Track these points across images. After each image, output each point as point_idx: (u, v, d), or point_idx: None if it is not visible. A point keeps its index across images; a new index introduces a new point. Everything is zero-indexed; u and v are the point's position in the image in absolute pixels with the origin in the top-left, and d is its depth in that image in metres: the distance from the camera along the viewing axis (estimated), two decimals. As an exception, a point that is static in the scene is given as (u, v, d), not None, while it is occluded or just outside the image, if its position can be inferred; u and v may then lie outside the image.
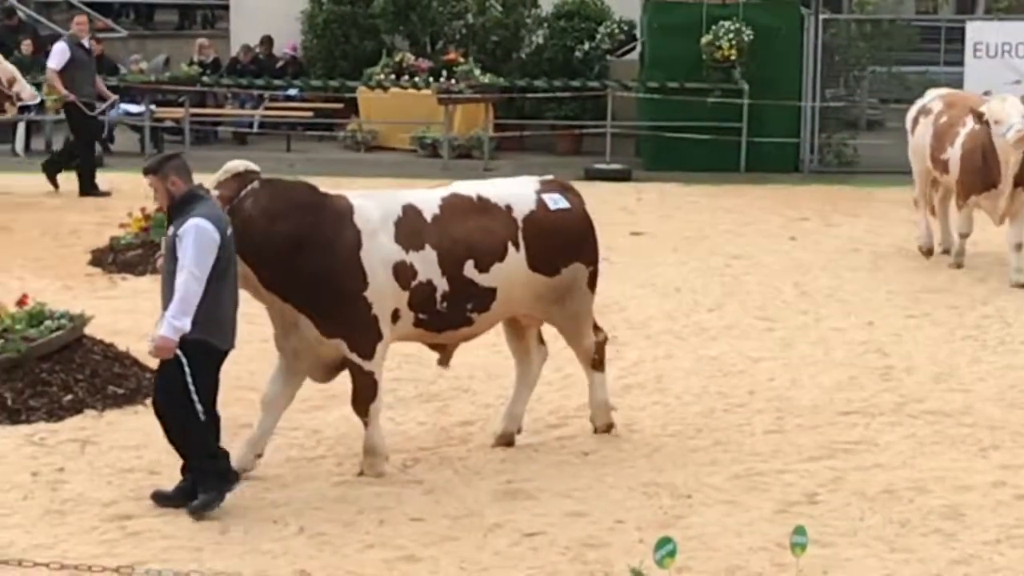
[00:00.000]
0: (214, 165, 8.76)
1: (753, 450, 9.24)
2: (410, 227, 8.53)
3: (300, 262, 8.18)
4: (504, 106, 21.39)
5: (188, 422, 7.85)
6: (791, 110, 20.22)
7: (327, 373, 8.73)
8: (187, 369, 7.73)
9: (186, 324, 7.67)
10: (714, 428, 9.67)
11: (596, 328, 9.40)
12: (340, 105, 21.70)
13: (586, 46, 22.11)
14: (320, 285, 8.25)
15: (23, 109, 17.93)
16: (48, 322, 10.03)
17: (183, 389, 7.77)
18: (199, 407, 7.80)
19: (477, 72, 20.91)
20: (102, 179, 17.82)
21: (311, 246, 8.21)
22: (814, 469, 8.89)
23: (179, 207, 7.85)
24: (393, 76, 21.30)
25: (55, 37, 22.90)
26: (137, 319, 11.35)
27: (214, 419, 8.00)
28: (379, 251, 8.38)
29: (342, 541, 7.75)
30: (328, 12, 22.62)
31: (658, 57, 20.69)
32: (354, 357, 8.46)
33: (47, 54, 21.11)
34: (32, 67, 20.81)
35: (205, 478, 7.96)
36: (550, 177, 9.48)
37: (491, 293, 8.77)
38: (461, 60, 21.47)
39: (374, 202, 8.60)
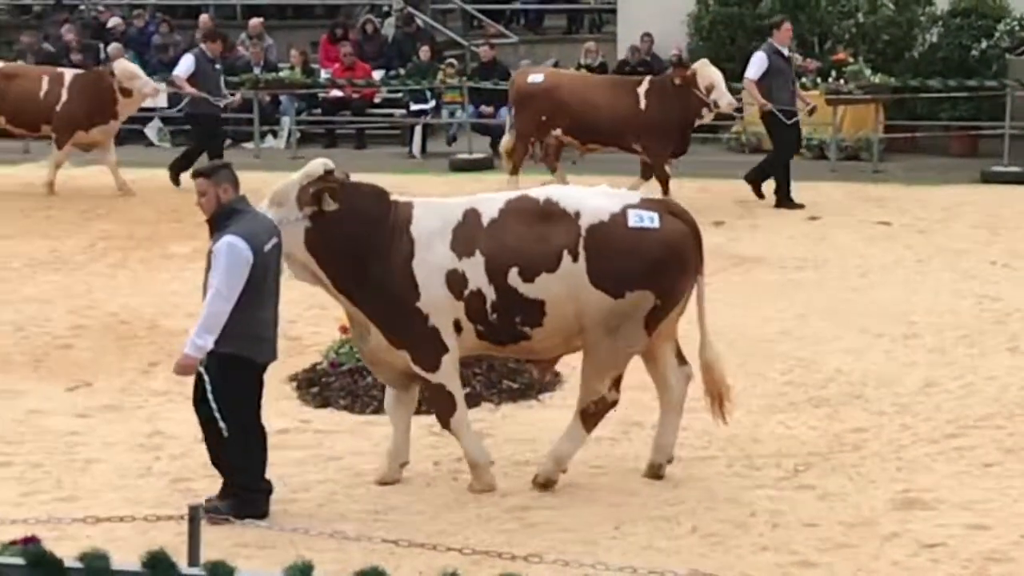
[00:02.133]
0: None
1: None
2: (467, 232, 8.22)
3: (359, 268, 8.16)
4: (895, 107, 20.85)
5: (219, 438, 7.84)
6: None
7: (405, 380, 8.49)
8: (208, 386, 7.71)
9: (208, 342, 7.63)
10: None
11: (616, 386, 8.36)
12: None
13: (983, 44, 21.33)
14: (377, 293, 8.18)
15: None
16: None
17: (207, 404, 7.78)
18: (222, 424, 7.75)
19: (867, 72, 20.45)
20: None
21: (368, 253, 8.15)
22: None
23: (220, 219, 7.84)
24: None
25: (452, 43, 23.76)
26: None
27: (255, 433, 7.94)
28: (433, 260, 8.14)
29: (735, 542, 7.72)
30: (714, 13, 22.59)
31: (1062, 54, 19.75)
32: (418, 369, 8.28)
33: (441, 58, 21.93)
34: (428, 72, 21.63)
35: (233, 493, 7.91)
36: (659, 197, 9.06)
37: (538, 306, 8.16)
38: (850, 60, 21.04)
39: (435, 209, 8.35)
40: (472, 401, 9.86)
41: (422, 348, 8.21)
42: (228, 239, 7.68)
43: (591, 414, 8.38)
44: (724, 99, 16.25)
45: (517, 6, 25.95)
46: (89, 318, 12.21)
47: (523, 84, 17.10)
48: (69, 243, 15.10)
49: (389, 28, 24.05)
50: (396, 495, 8.40)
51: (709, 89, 16.20)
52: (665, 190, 16.23)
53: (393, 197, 8.44)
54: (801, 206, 16.78)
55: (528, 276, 8.14)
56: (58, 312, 12.43)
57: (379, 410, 9.62)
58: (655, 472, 8.62)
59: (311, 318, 11.93)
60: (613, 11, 24.52)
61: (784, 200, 16.95)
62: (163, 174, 18.11)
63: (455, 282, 8.16)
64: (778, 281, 13.50)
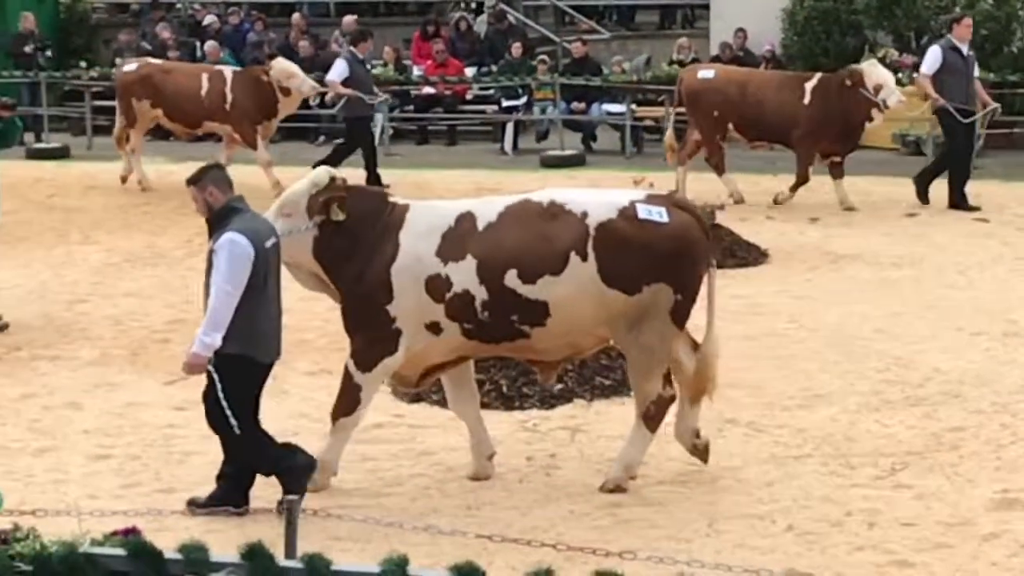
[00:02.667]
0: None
1: None
2: (457, 237, 8.20)
3: (348, 270, 8.25)
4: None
5: (230, 436, 7.85)
6: None
7: (457, 375, 8.60)
8: (218, 384, 7.73)
9: (216, 340, 7.66)
10: None
11: (668, 381, 8.38)
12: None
13: (1084, 38, 20.96)
14: (354, 286, 8.25)
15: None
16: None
17: (216, 403, 7.78)
18: (233, 421, 7.75)
19: (966, 67, 20.15)
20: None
21: (350, 257, 8.24)
22: None
23: (217, 220, 7.87)
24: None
25: (544, 40, 23.78)
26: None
27: (258, 432, 7.94)
28: (414, 267, 8.16)
29: (830, 541, 7.64)
30: (809, 8, 22.39)
31: None
32: (351, 361, 8.33)
33: (533, 55, 21.94)
34: (520, 69, 21.67)
35: (228, 482, 7.97)
36: (664, 193, 8.94)
37: (540, 306, 8.10)
38: (947, 55, 20.75)
39: (428, 213, 8.37)
40: (564, 397, 9.88)
41: (370, 346, 8.25)
42: (229, 236, 7.72)
43: (652, 416, 8.35)
44: (893, 97, 16.15)
45: (610, 2, 25.89)
46: (186, 312, 12.32)
47: (693, 81, 17.17)
48: (165, 238, 15.29)
49: (481, 25, 24.10)
50: (488, 491, 8.42)
51: (877, 89, 16.13)
52: (796, 186, 16.44)
53: (391, 199, 8.50)
54: (977, 208, 16.32)
55: (529, 278, 8.09)
56: (155, 307, 12.58)
57: (473, 406, 9.66)
58: (702, 454, 8.53)
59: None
60: (706, 7, 24.39)
61: (958, 201, 16.41)
62: (274, 172, 18.25)
63: (436, 287, 8.17)
64: (874, 279, 13.36)
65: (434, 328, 8.23)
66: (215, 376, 7.74)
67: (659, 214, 8.18)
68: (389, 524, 6.69)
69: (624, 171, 18.18)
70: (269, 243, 7.90)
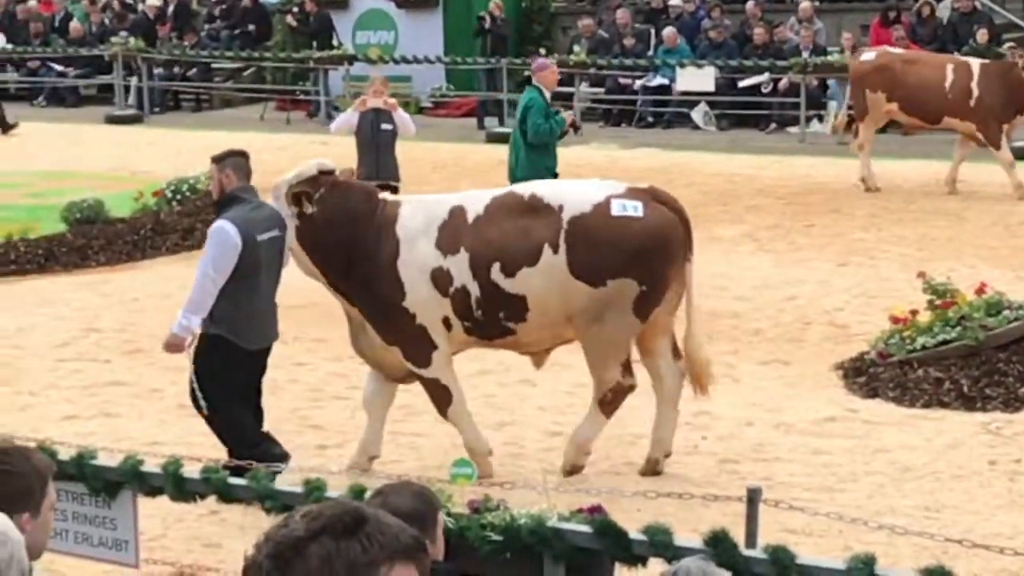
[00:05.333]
0: None
1: None
2: (452, 230, 8.21)
3: (347, 267, 8.22)
4: None
5: (208, 415, 7.95)
6: None
7: (402, 376, 8.48)
8: (192, 365, 7.90)
9: (193, 322, 7.83)
10: None
11: (628, 371, 8.28)
12: None
13: None
14: (366, 292, 8.24)
15: None
16: (1006, 312, 9.92)
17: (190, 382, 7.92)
18: (202, 402, 7.89)
19: None
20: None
21: (355, 252, 8.19)
22: None
23: (220, 205, 8.06)
24: None
25: (1012, 26, 22.74)
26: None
27: (239, 410, 8.00)
28: (418, 260, 8.17)
29: None
30: None
31: None
32: (411, 366, 8.34)
33: (1000, 41, 21.04)
34: (986, 55, 20.80)
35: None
36: (645, 185, 8.50)
37: (520, 301, 8.12)
38: None
39: (421, 207, 8.33)
40: None
41: (412, 346, 8.29)
42: (219, 223, 7.92)
43: (608, 402, 8.34)
44: None
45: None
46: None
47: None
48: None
49: (944, 10, 23.28)
50: (948, 493, 8.12)
51: None
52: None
53: (381, 196, 8.50)
54: None
55: (510, 271, 8.15)
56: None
57: (930, 403, 9.36)
58: (652, 468, 8.41)
59: (858, 306, 11.73)
60: None
61: None
62: (711, 157, 18.30)
63: (440, 280, 8.21)
64: None
65: (446, 324, 8.30)
66: (189, 357, 7.99)
67: (635, 208, 8.16)
68: (853, 520, 6.49)
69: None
70: (266, 235, 8.00)
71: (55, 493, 3.87)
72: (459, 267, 8.21)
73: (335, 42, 24.22)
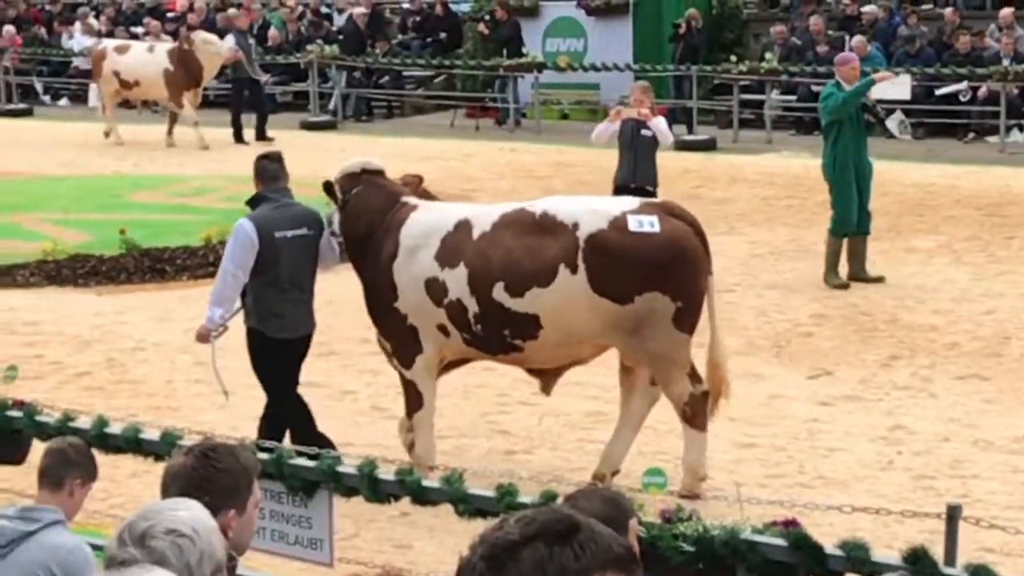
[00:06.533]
0: None
1: None
2: (454, 244, 8.22)
3: (362, 263, 8.49)
4: None
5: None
6: None
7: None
8: (213, 354, 8.40)
9: (216, 314, 8.34)
10: None
11: (695, 378, 8.19)
12: None
13: None
14: (368, 288, 8.51)
15: None
16: None
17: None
18: (221, 385, 8.43)
19: None
20: None
21: (367, 251, 8.41)
22: None
23: (252, 205, 8.48)
24: None
25: None
26: None
27: (291, 404, 8.38)
28: (413, 266, 8.25)
29: None
30: None
31: None
32: (395, 363, 8.51)
33: None
34: None
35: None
36: (658, 200, 8.33)
37: (531, 320, 8.02)
38: None
39: (429, 216, 8.35)
40: None
41: (400, 345, 8.43)
42: (239, 222, 8.40)
43: (691, 416, 8.20)
44: None
45: None
46: (829, 308, 12.31)
47: None
48: (811, 232, 15.29)
49: None
50: None
51: None
52: None
53: (403, 199, 8.47)
54: None
55: (516, 291, 8.04)
56: (800, 300, 12.62)
57: None
58: (599, 480, 8.14)
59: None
60: None
61: None
62: (907, 167, 17.93)
63: (435, 290, 8.25)
64: None
65: (443, 331, 8.32)
66: (215, 346, 8.43)
67: (651, 224, 8.05)
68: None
69: None
70: (288, 233, 8.31)
71: (260, 492, 3.94)
72: (456, 281, 8.23)
73: (524, 49, 24.36)
